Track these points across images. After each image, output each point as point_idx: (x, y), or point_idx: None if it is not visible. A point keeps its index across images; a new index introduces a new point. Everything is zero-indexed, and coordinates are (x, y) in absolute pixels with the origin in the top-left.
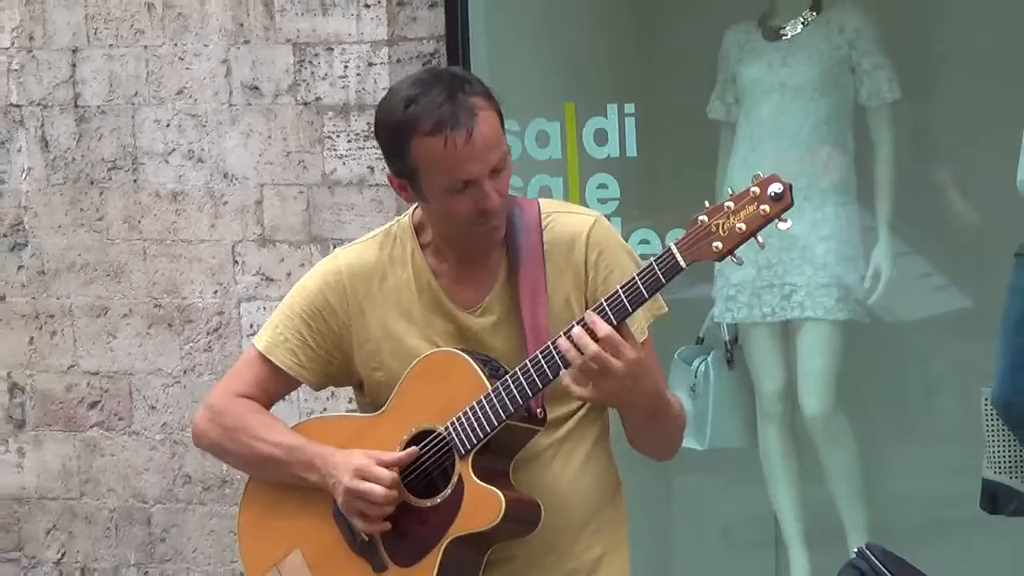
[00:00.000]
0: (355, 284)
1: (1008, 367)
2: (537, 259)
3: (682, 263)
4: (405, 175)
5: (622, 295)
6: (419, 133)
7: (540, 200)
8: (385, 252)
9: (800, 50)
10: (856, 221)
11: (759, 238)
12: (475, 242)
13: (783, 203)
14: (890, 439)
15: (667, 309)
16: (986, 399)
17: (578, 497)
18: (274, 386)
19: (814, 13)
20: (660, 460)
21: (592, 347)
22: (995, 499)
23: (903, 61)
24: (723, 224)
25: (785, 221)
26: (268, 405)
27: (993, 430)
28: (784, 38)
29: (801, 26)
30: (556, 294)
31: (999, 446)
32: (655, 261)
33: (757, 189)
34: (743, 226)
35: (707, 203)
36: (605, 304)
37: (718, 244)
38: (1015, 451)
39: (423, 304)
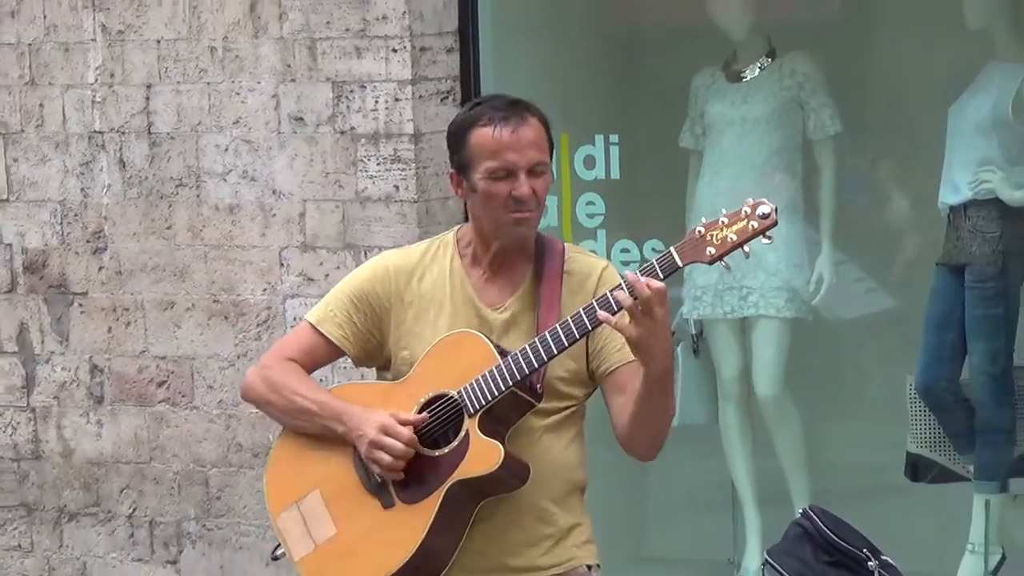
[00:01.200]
0: (398, 278)
1: (929, 359)
2: (556, 280)
3: (679, 262)
4: (462, 167)
5: (641, 271)
6: (477, 125)
7: (566, 243)
8: (427, 256)
9: (757, 90)
10: (803, 235)
11: (746, 248)
12: (507, 235)
13: (769, 221)
14: (829, 417)
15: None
16: (910, 385)
17: (559, 472)
18: (320, 354)
19: (769, 59)
20: (650, 456)
21: (646, 292)
22: (916, 469)
23: (844, 100)
24: (717, 235)
25: (769, 238)
26: (312, 369)
27: (916, 411)
28: (744, 80)
29: (758, 70)
30: (566, 310)
31: (920, 425)
32: (655, 260)
33: (749, 209)
34: (734, 237)
35: (704, 219)
36: (609, 294)
37: (711, 250)
38: (934, 429)
39: (454, 299)
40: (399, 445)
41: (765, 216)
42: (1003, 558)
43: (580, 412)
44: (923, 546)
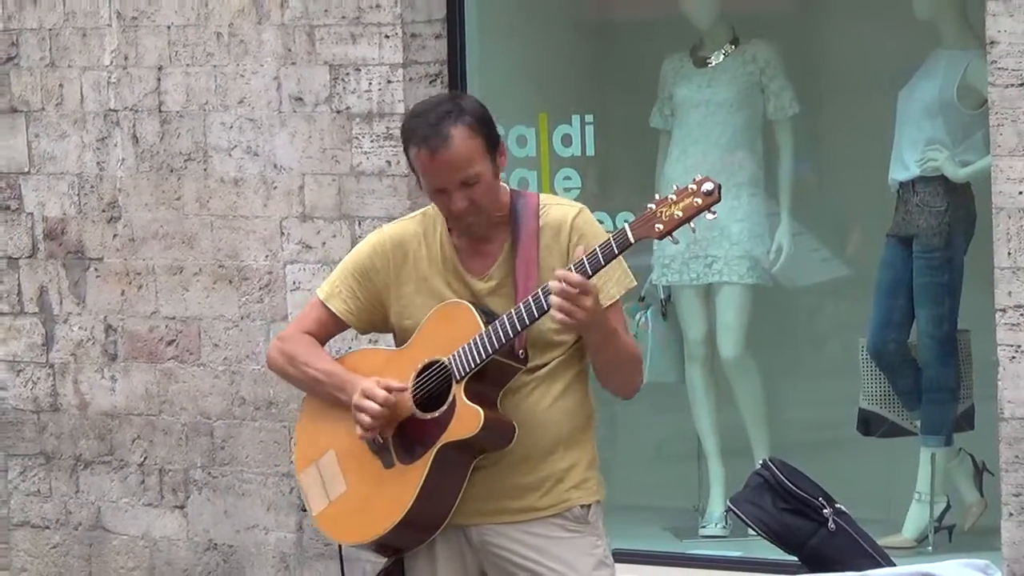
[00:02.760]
0: (396, 252)
1: (879, 323)
2: (532, 241)
3: (631, 239)
4: (412, 169)
5: (584, 261)
6: (411, 142)
7: (540, 194)
8: (421, 229)
9: (722, 75)
10: (763, 208)
11: (692, 224)
12: (461, 232)
13: (712, 198)
14: (787, 376)
15: (636, 283)
16: (862, 347)
17: (550, 421)
18: (330, 327)
19: (733, 46)
20: (624, 395)
21: (559, 286)
22: (868, 424)
23: (801, 84)
24: (665, 212)
25: (713, 213)
26: (325, 340)
27: (867, 371)
28: (709, 65)
29: (723, 56)
30: (545, 267)
31: (872, 384)
32: (612, 237)
33: (695, 186)
34: (680, 213)
35: (656, 196)
36: (572, 266)
37: (660, 226)
38: (884, 388)
39: (445, 271)
40: (375, 407)
41: (709, 193)
42: (947, 507)
43: (576, 354)
44: (874, 495)
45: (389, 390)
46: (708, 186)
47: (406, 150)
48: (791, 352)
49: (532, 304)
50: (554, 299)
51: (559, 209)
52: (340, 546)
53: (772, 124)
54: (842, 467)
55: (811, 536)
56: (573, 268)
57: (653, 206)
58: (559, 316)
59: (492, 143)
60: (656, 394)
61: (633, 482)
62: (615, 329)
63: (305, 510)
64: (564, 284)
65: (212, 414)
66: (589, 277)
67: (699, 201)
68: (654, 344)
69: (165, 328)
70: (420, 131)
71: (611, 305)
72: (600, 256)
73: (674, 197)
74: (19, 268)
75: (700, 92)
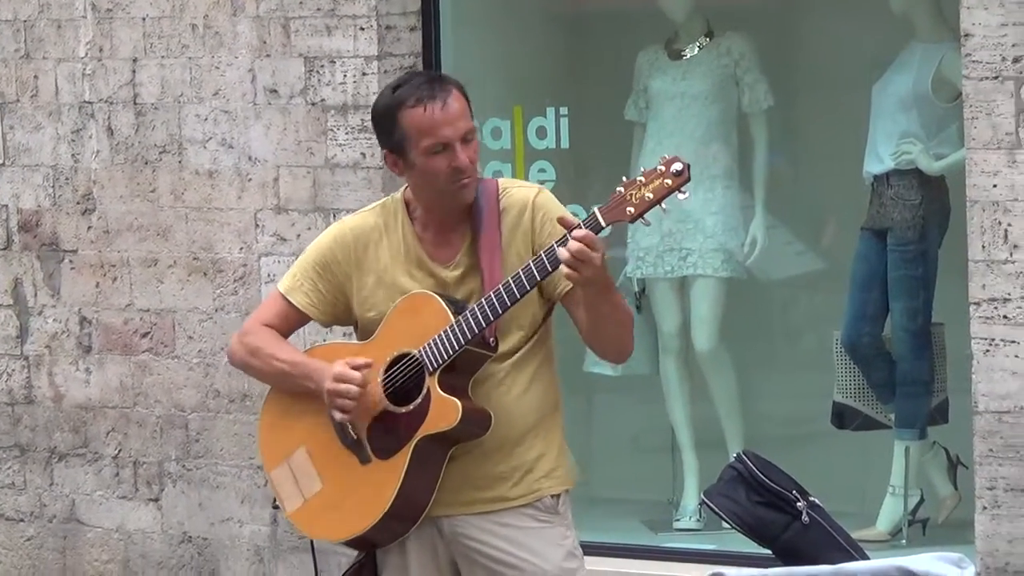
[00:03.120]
0: (357, 244)
1: (853, 316)
2: (494, 225)
3: (602, 222)
4: (395, 148)
5: (554, 247)
6: (405, 107)
7: (498, 179)
8: (381, 220)
9: (696, 67)
10: (738, 201)
11: (663, 206)
12: (450, 201)
13: (682, 178)
14: (761, 369)
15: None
16: (836, 340)
17: (520, 411)
18: (292, 320)
19: (708, 39)
20: (616, 357)
21: (577, 245)
22: (842, 417)
23: (776, 77)
24: (635, 194)
25: (684, 193)
26: (287, 334)
27: (842, 364)
28: (684, 58)
29: (698, 49)
30: (509, 250)
31: (846, 377)
32: (583, 221)
33: (663, 167)
34: (651, 195)
35: (624, 178)
36: (543, 255)
37: (631, 209)
38: (858, 380)
39: (409, 260)
40: (352, 388)
41: (678, 173)
42: (921, 500)
43: (542, 338)
44: (848, 488)
45: (358, 368)
46: (677, 166)
47: (392, 119)
48: (765, 345)
49: (513, 285)
50: (564, 253)
51: (519, 191)
52: (312, 541)
53: (747, 117)
54: (816, 460)
55: (785, 529)
56: (543, 257)
57: (622, 189)
58: (574, 275)
59: (468, 102)
60: (630, 386)
61: (608, 475)
62: (612, 281)
63: (277, 507)
64: (581, 246)
65: (186, 407)
66: (558, 265)
67: (669, 182)
68: None
69: (140, 320)
70: (418, 92)
71: None
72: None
73: (643, 179)
74: None
75: (675, 84)
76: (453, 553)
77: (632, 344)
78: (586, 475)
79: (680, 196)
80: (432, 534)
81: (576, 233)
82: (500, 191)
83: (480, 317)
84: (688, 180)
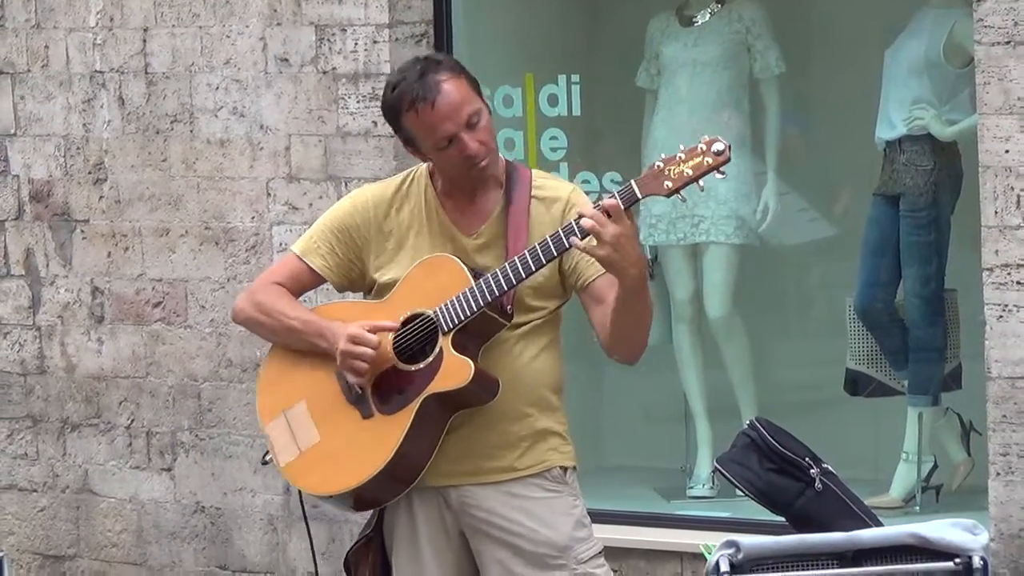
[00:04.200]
0: (377, 210)
1: (866, 282)
2: (524, 207)
3: (638, 194)
4: (408, 142)
5: (603, 198)
6: (402, 111)
7: (532, 170)
8: (403, 190)
9: (708, 34)
10: (750, 167)
11: (700, 183)
12: (472, 182)
13: (723, 158)
14: (774, 336)
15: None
16: (849, 306)
17: (528, 377)
18: (305, 281)
19: (719, 5)
20: (630, 358)
21: (602, 217)
22: (855, 384)
23: (787, 43)
24: (674, 169)
25: (722, 173)
26: (297, 295)
27: (854, 330)
28: (695, 24)
29: (709, 15)
30: (534, 234)
31: (859, 343)
32: (617, 192)
33: (704, 146)
34: (690, 172)
35: (663, 155)
36: (573, 223)
37: (668, 183)
38: (871, 347)
39: (431, 227)
40: (368, 351)
41: (720, 153)
42: (935, 466)
43: (553, 321)
44: (861, 455)
45: (375, 331)
46: (719, 146)
47: (397, 123)
48: (778, 312)
49: (540, 251)
50: (584, 223)
51: (554, 184)
52: (300, 493)
53: (758, 83)
54: (829, 427)
55: (798, 496)
56: (573, 224)
57: (660, 164)
58: (589, 247)
59: (475, 83)
60: (643, 355)
61: (621, 443)
62: (646, 277)
63: (267, 461)
64: (597, 214)
65: (199, 376)
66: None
67: (710, 160)
68: None
69: (152, 290)
70: (410, 93)
71: None
72: (605, 211)
73: (683, 156)
74: (5, 230)
75: (686, 51)
76: (461, 524)
77: (646, 341)
78: (599, 444)
79: (718, 176)
80: (439, 505)
81: (602, 203)
82: (533, 179)
83: (502, 281)
84: (728, 160)
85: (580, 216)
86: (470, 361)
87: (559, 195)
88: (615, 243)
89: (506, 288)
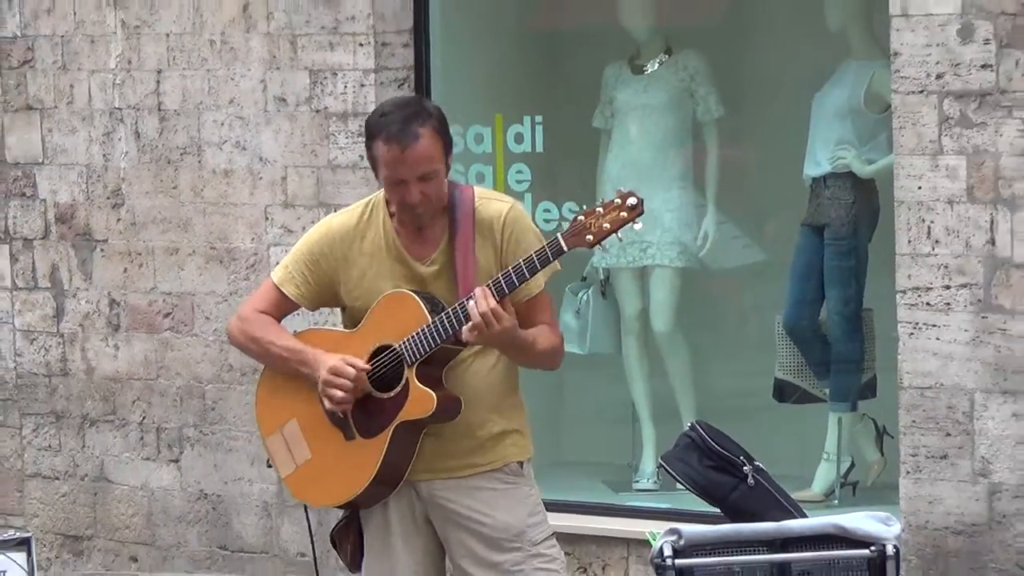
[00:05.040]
0: (343, 240)
1: (794, 301)
2: (469, 230)
3: (564, 248)
4: (371, 161)
5: (522, 265)
6: (378, 138)
7: (475, 187)
8: (364, 218)
9: (656, 81)
10: (692, 199)
11: (619, 235)
12: (405, 219)
13: (636, 211)
14: (712, 349)
15: (560, 268)
16: (778, 323)
17: (487, 389)
18: (284, 307)
19: (667, 55)
20: (546, 370)
21: (477, 311)
22: (783, 392)
23: (726, 90)
24: (594, 223)
25: (638, 223)
26: (279, 319)
27: (782, 345)
28: (645, 73)
29: (657, 64)
30: (481, 255)
31: (786, 356)
32: (547, 245)
33: (619, 200)
34: (608, 225)
35: (584, 207)
36: (501, 278)
37: (590, 237)
38: (797, 359)
39: (389, 256)
40: (347, 383)
41: (633, 207)
42: (852, 465)
43: None
44: (788, 455)
45: (355, 368)
46: (632, 200)
47: (370, 143)
48: (716, 328)
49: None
50: (467, 328)
51: (493, 204)
52: (306, 507)
53: (700, 125)
54: (760, 430)
55: (733, 490)
56: (511, 273)
57: (583, 218)
58: (468, 337)
59: (449, 145)
60: (596, 364)
61: (575, 441)
62: (529, 344)
63: (270, 465)
64: (483, 309)
65: (204, 379)
66: (525, 279)
67: (624, 214)
68: (594, 319)
69: (162, 302)
70: (390, 128)
71: (537, 296)
72: (536, 262)
73: (601, 210)
74: (33, 248)
75: (637, 96)
76: (428, 511)
77: (560, 362)
78: (556, 442)
79: (635, 227)
80: (410, 495)
81: (487, 303)
82: (476, 200)
83: (454, 320)
84: (642, 213)
85: (468, 301)
86: (432, 394)
87: (498, 214)
88: (495, 337)
89: (458, 327)
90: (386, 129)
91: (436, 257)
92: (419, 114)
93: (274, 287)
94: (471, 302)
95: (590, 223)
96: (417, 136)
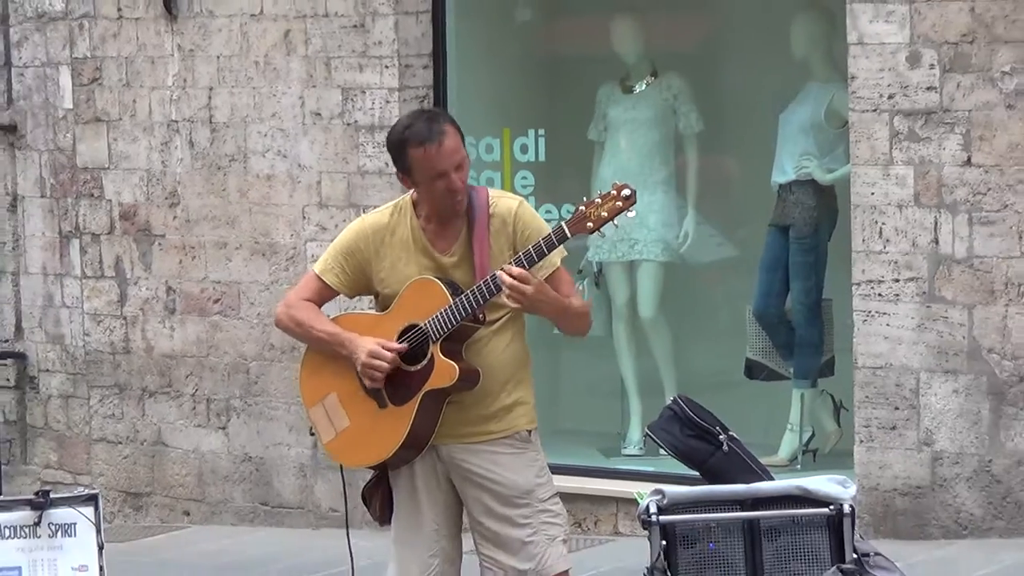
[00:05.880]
0: (375, 236)
1: (762, 293)
2: (484, 225)
3: (568, 234)
4: (405, 172)
5: (531, 250)
6: (411, 146)
7: (488, 188)
8: (394, 217)
9: (643, 99)
10: (674, 202)
11: (615, 222)
12: (447, 211)
13: (631, 200)
14: (691, 332)
15: (567, 253)
16: (749, 311)
17: (501, 365)
18: (324, 295)
19: (653, 77)
20: (578, 336)
21: (508, 280)
22: (752, 371)
23: (705, 107)
24: (594, 212)
25: (632, 212)
26: (320, 305)
27: (752, 330)
28: (634, 92)
29: (645, 85)
30: (495, 245)
31: (756, 339)
32: (552, 231)
33: (615, 191)
34: (605, 214)
35: (584, 198)
36: (521, 255)
37: (590, 224)
38: (765, 342)
39: (415, 248)
40: (384, 365)
41: (627, 197)
42: (813, 434)
43: (516, 317)
44: (757, 425)
45: (391, 350)
46: (626, 191)
47: (401, 154)
48: (694, 314)
49: (491, 283)
50: (505, 289)
51: (505, 201)
52: (341, 467)
53: (682, 138)
54: (733, 403)
55: (710, 456)
56: (521, 256)
57: (583, 207)
58: (511, 304)
59: (462, 136)
60: (590, 345)
61: (571, 412)
62: (564, 302)
63: (313, 434)
64: (511, 278)
65: (248, 356)
66: (536, 262)
67: (620, 204)
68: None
69: (212, 289)
70: (420, 134)
71: (556, 271)
72: (544, 246)
73: (599, 200)
74: (100, 242)
75: (627, 113)
76: (449, 471)
77: (589, 326)
78: (556, 413)
79: (629, 215)
80: (433, 458)
81: (512, 271)
82: (490, 198)
83: (472, 301)
84: (635, 203)
85: (497, 274)
86: (455, 365)
87: (509, 209)
88: (530, 301)
89: (477, 306)
90: (416, 136)
91: (456, 249)
92: (436, 116)
93: (316, 277)
94: (501, 273)
95: (590, 212)
96: (444, 132)
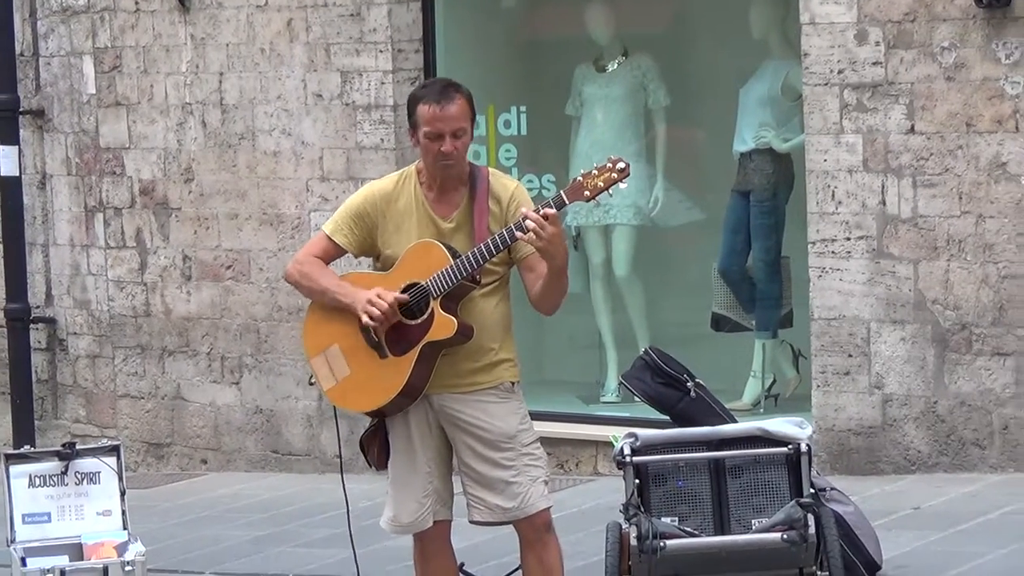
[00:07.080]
0: (383, 200)
1: (726, 252)
2: (484, 198)
3: (566, 200)
4: (413, 127)
5: (541, 206)
6: (420, 102)
7: (490, 169)
8: (399, 184)
9: (616, 77)
10: (644, 171)
11: (610, 191)
12: (439, 173)
13: (625, 172)
14: (662, 289)
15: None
16: (714, 268)
17: (491, 324)
18: (332, 253)
19: (624, 57)
20: (546, 313)
21: (536, 216)
22: (718, 323)
23: (672, 83)
24: (590, 182)
25: (625, 183)
26: (327, 262)
27: (717, 286)
28: (607, 71)
29: (617, 64)
30: (493, 218)
31: (720, 294)
32: (552, 199)
33: (611, 164)
34: (601, 184)
35: (582, 170)
36: (540, 206)
37: (587, 192)
38: (729, 297)
39: (419, 214)
40: (384, 304)
41: (622, 170)
42: (774, 381)
43: (504, 281)
44: (723, 374)
45: (384, 298)
46: (621, 164)
47: (412, 110)
48: (664, 272)
49: (491, 243)
50: (529, 228)
51: (504, 181)
52: (335, 410)
53: (651, 112)
54: (701, 353)
55: (679, 402)
56: (540, 206)
57: (581, 178)
58: (530, 239)
59: (474, 117)
60: (570, 302)
61: (553, 363)
62: (566, 261)
63: (312, 383)
64: (538, 217)
65: (258, 318)
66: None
67: (615, 175)
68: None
69: (225, 257)
70: (432, 93)
71: None
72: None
73: (595, 171)
74: (122, 215)
75: (600, 90)
76: (440, 419)
77: (563, 296)
78: (539, 364)
79: (622, 186)
80: (425, 406)
81: (544, 211)
82: (490, 176)
83: (472, 261)
84: (629, 174)
85: (525, 217)
86: (454, 319)
87: (508, 188)
88: (550, 239)
89: (476, 267)
90: (428, 95)
91: (456, 216)
92: (454, 85)
93: (326, 237)
94: (528, 211)
95: (587, 182)
96: (453, 98)
